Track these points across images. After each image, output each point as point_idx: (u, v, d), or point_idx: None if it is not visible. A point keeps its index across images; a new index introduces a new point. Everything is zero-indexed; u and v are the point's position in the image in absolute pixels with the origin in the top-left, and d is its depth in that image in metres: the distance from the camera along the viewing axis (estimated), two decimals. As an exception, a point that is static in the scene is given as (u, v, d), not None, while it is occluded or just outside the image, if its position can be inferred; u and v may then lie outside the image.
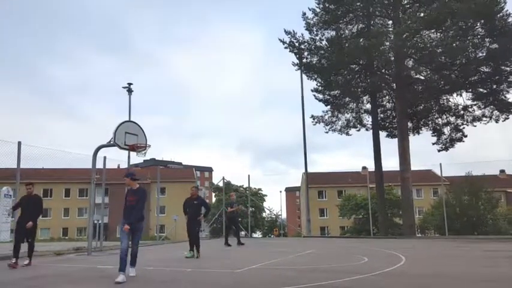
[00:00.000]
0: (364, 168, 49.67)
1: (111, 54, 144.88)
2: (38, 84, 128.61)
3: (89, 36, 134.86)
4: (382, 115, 31.63)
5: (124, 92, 31.09)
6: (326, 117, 31.03)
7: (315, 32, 28.67)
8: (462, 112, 28.46)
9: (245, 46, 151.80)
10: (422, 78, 27.62)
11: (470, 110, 28.07)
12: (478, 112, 27.80)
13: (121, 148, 12.29)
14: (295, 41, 28.63)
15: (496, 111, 27.07)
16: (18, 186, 11.68)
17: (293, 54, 29.20)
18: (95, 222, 14.82)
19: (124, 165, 35.40)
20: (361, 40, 26.86)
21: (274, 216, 68.95)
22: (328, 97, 30.74)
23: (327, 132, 31.67)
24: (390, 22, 28.06)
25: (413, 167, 28.09)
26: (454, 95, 28.02)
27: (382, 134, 31.04)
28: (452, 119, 29.08)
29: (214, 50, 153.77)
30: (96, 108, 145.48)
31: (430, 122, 29.98)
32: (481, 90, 26.96)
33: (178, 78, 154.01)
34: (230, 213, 16.00)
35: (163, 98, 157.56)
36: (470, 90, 27.22)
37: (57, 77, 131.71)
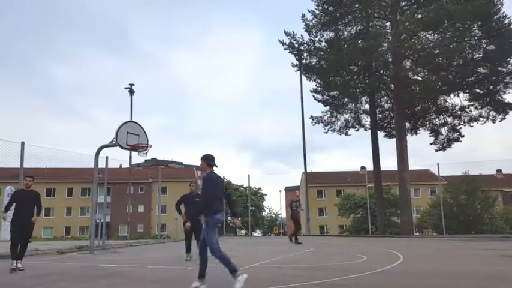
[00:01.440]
0: (362, 167, 49.82)
1: (112, 54, 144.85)
2: (39, 85, 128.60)
3: (90, 36, 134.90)
4: (380, 115, 31.66)
5: (125, 92, 31.30)
6: (325, 117, 31.08)
7: (314, 34, 28.72)
8: (459, 112, 28.48)
9: (245, 46, 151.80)
10: (420, 79, 27.64)
11: (467, 110, 28.10)
12: (475, 112, 27.85)
13: (123, 148, 12.31)
14: (294, 42, 28.72)
15: (492, 111, 27.10)
16: (21, 185, 11.66)
17: (292, 55, 29.31)
18: (97, 221, 14.84)
19: (126, 165, 35.50)
20: (359, 41, 26.90)
21: (273, 215, 68.91)
22: (327, 98, 30.77)
23: (326, 133, 31.75)
24: (388, 24, 28.10)
25: (411, 167, 28.12)
26: (452, 95, 28.06)
27: (381, 134, 31.10)
28: (449, 119, 29.11)
29: (215, 50, 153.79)
30: (97, 108, 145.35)
31: (427, 123, 30.01)
32: (478, 90, 26.98)
33: (179, 78, 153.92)
34: (295, 213, 16.46)
35: (164, 98, 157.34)
36: (467, 90, 27.24)
37: (58, 76, 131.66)
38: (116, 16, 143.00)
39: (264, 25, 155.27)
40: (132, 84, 31.21)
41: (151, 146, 12.92)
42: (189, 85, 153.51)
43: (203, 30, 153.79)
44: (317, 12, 28.51)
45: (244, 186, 49.25)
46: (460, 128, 28.77)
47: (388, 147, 60.78)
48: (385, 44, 25.88)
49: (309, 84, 30.99)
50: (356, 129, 31.60)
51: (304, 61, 29.46)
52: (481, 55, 25.25)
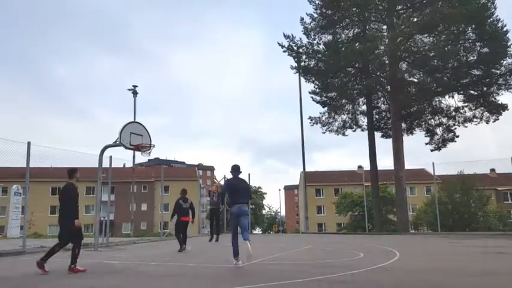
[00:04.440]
0: (359, 167, 49.71)
1: (114, 54, 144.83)
2: (41, 84, 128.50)
3: (92, 36, 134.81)
4: (377, 116, 31.68)
5: (128, 91, 31.26)
6: (323, 118, 31.11)
7: (313, 36, 28.78)
8: (454, 113, 28.52)
9: (246, 46, 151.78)
10: (416, 80, 27.68)
11: (461, 111, 28.15)
12: (469, 113, 27.92)
13: (126, 148, 12.30)
14: (293, 44, 28.74)
15: (486, 112, 27.14)
16: (28, 184, 11.64)
17: (291, 57, 29.33)
18: (102, 219, 14.84)
19: (129, 165, 35.51)
20: (356, 44, 26.94)
21: (273, 214, 68.93)
22: (325, 99, 30.80)
23: (324, 133, 31.81)
24: (385, 27, 28.14)
25: (407, 166, 28.19)
26: (446, 97, 28.11)
27: (377, 135, 31.15)
28: (444, 120, 29.15)
29: (216, 50, 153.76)
30: (100, 107, 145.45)
31: (423, 123, 30.04)
32: (472, 92, 27.01)
33: (180, 78, 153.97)
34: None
35: (166, 97, 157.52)
36: (461, 92, 27.29)
37: (60, 76, 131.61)
38: (118, 16, 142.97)
39: (265, 25, 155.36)
40: (135, 86, 31.19)
41: (154, 146, 12.92)
42: (191, 85, 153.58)
43: (204, 30, 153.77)
44: (315, 15, 28.56)
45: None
46: (455, 128, 28.85)
47: (384, 146, 60.77)
48: (382, 47, 25.91)
49: (308, 86, 31.01)
50: (353, 129, 31.66)
51: (302, 63, 29.48)
52: (475, 57, 25.29)
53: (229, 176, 7.96)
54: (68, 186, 6.92)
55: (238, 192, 7.39)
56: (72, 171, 7.09)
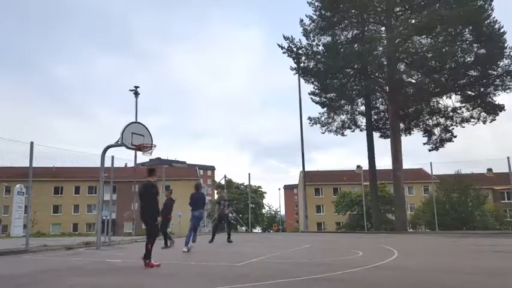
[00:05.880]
0: (358, 167, 49.71)
1: (114, 53, 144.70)
2: (43, 84, 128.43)
3: (93, 36, 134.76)
4: (375, 116, 31.70)
5: (129, 91, 31.24)
6: (322, 118, 31.17)
7: (312, 38, 28.80)
8: (451, 114, 28.54)
9: (246, 46, 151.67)
10: (414, 81, 27.69)
11: (459, 111, 28.18)
12: (466, 114, 27.94)
13: (128, 148, 12.29)
14: (293, 46, 28.78)
15: (483, 112, 27.16)
16: (30, 184, 11.63)
17: (291, 58, 29.35)
18: (104, 218, 14.81)
19: (131, 164, 35.50)
20: (355, 45, 26.95)
21: (273, 213, 68.81)
22: (324, 100, 30.82)
23: (323, 133, 31.85)
24: (383, 28, 28.15)
25: (405, 166, 28.17)
26: (444, 97, 28.14)
27: (376, 135, 31.18)
28: (442, 120, 29.17)
29: (216, 50, 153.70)
30: (101, 107, 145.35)
31: (421, 123, 30.07)
32: (469, 93, 27.03)
33: (180, 78, 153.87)
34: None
35: (166, 97, 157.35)
36: (459, 93, 27.31)
37: (61, 76, 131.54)
38: (118, 16, 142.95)
39: (265, 25, 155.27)
40: (136, 87, 31.15)
41: (155, 146, 12.90)
42: (191, 85, 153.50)
43: (204, 30, 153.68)
44: (314, 17, 28.57)
45: (245, 184, 49.25)
46: (452, 128, 28.89)
47: (383, 146, 60.71)
48: (380, 48, 25.92)
49: (307, 87, 31.05)
50: (352, 129, 31.70)
51: (302, 64, 29.50)
52: (472, 58, 25.30)
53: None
54: (148, 184, 7.27)
55: (197, 203, 10.75)
56: (152, 170, 7.54)
